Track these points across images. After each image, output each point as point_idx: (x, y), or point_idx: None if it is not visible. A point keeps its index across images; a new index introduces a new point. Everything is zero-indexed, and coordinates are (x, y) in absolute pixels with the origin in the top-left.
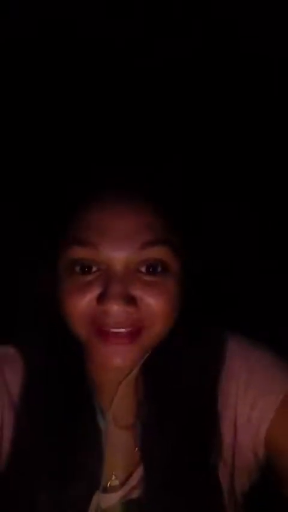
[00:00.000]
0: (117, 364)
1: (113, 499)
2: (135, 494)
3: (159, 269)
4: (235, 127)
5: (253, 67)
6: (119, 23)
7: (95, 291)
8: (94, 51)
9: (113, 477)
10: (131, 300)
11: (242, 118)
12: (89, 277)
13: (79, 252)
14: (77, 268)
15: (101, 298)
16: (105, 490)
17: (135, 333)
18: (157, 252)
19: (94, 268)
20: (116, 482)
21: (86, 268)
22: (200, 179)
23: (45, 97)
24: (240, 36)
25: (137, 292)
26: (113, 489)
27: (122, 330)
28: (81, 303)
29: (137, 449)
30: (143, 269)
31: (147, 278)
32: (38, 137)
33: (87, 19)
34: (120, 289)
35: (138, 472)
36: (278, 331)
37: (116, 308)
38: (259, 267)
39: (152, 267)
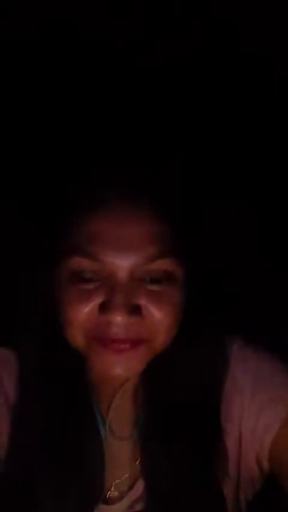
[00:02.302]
0: (117, 374)
1: (113, 511)
2: (138, 507)
3: (163, 279)
4: (235, 127)
5: (253, 67)
6: (119, 23)
7: (97, 300)
8: (94, 51)
9: (112, 488)
10: (135, 310)
11: (242, 118)
12: (90, 286)
13: (80, 263)
14: (78, 277)
15: (104, 308)
16: (105, 501)
17: (137, 342)
18: (162, 264)
19: (96, 277)
20: (115, 494)
21: (87, 277)
22: (200, 179)
23: (45, 97)
24: (240, 36)
25: (141, 302)
26: (112, 500)
27: (124, 338)
28: (82, 313)
29: (138, 460)
30: (147, 279)
31: (152, 287)
32: (38, 137)
33: (87, 19)
34: (125, 299)
35: (140, 484)
36: (278, 331)
37: (119, 319)
38: (259, 267)
39: (157, 277)
